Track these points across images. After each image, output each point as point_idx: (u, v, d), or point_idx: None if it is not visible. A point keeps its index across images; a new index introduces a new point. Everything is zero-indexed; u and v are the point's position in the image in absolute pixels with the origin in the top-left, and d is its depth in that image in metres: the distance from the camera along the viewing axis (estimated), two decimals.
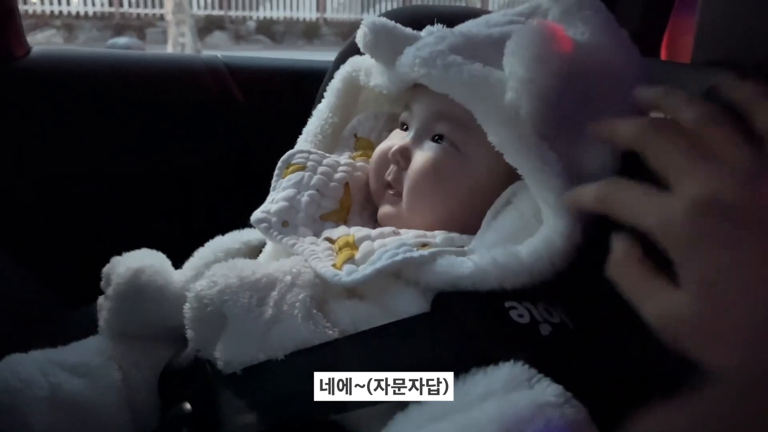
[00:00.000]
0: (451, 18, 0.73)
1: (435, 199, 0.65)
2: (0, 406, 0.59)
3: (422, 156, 0.65)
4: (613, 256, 0.43)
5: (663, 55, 1.06)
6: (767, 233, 0.37)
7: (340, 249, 0.61)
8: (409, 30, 0.68)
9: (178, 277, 0.71)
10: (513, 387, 0.49)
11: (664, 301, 0.39)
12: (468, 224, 0.63)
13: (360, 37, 0.68)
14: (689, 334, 0.38)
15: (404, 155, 0.66)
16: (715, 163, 0.40)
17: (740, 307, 0.37)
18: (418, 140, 0.67)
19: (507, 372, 0.50)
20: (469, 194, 0.64)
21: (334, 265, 0.59)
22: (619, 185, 0.44)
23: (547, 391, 0.48)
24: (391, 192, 0.68)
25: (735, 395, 0.37)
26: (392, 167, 0.68)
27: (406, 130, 0.70)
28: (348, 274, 0.58)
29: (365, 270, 0.57)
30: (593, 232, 0.60)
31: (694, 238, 0.38)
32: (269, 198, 0.69)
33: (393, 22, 0.68)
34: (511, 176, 0.62)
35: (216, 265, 0.60)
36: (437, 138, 0.66)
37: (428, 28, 0.68)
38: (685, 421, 0.38)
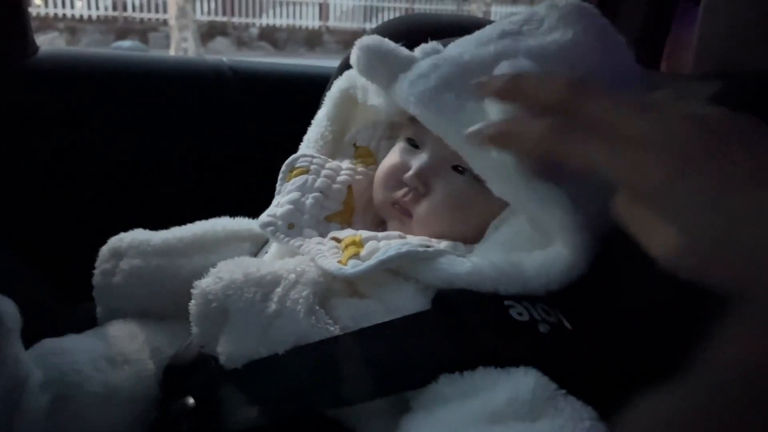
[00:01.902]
0: (449, 29, 0.73)
1: (452, 225, 0.65)
2: (56, 398, 0.60)
3: (445, 188, 0.65)
4: (618, 199, 0.43)
5: (663, 68, 1.07)
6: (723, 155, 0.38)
7: (346, 247, 0.62)
8: (403, 51, 0.65)
9: (160, 235, 0.75)
10: (543, 396, 0.49)
11: (665, 239, 0.40)
12: (471, 236, 0.64)
13: (354, 60, 0.67)
14: (697, 266, 0.39)
15: (423, 181, 0.65)
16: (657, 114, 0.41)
17: (725, 225, 0.37)
18: (436, 167, 0.65)
19: (533, 381, 0.50)
20: (484, 220, 0.65)
21: (339, 261, 0.60)
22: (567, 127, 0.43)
23: (584, 412, 0.48)
24: (398, 208, 0.67)
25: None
26: (407, 189, 0.67)
27: (414, 146, 0.68)
28: (353, 267, 0.59)
29: (370, 262, 0.58)
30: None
31: (666, 182, 0.39)
32: (274, 202, 0.69)
33: (387, 43, 0.65)
34: None
35: (221, 263, 0.61)
36: (459, 168, 0.65)
37: (422, 47, 0.67)
38: (680, 407, 0.40)
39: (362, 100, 0.73)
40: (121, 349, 0.67)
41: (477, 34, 0.68)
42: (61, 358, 0.63)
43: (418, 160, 0.66)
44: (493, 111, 0.55)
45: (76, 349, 0.65)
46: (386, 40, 0.67)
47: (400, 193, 0.67)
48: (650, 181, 0.39)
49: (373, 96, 0.70)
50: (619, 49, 0.67)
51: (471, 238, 0.64)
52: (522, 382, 0.50)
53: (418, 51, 0.67)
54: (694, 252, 0.39)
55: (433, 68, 0.62)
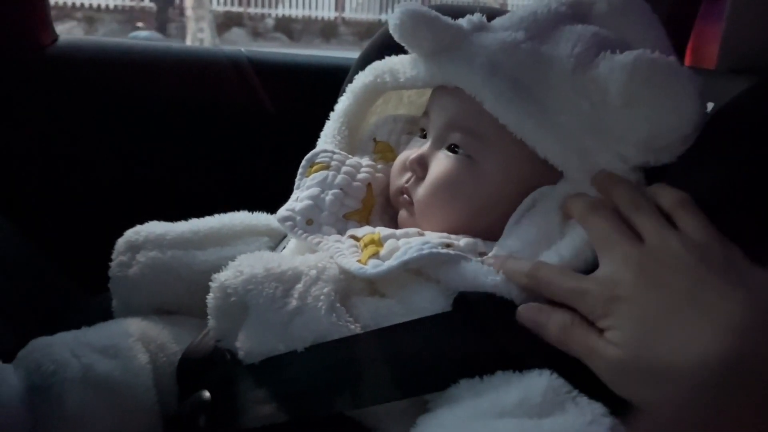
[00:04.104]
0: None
1: (447, 208, 0.65)
2: (34, 388, 0.60)
3: (438, 166, 0.65)
4: (554, 325, 0.52)
5: (687, 62, 1.05)
6: (662, 300, 0.47)
7: (366, 246, 0.61)
8: (450, 20, 0.64)
9: (176, 228, 0.75)
10: (553, 400, 0.49)
11: (606, 358, 0.48)
12: (490, 230, 0.63)
13: (396, 25, 0.64)
14: (627, 380, 0.47)
15: (421, 164, 0.66)
16: (631, 246, 0.51)
17: (656, 352, 0.46)
18: (434, 149, 0.67)
19: (546, 384, 0.49)
20: (483, 204, 0.64)
21: (359, 261, 0.59)
22: (546, 270, 0.55)
23: (590, 410, 0.48)
24: (405, 197, 0.68)
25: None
26: (409, 175, 0.68)
27: (425, 137, 0.69)
28: (374, 267, 0.58)
29: (391, 262, 0.57)
30: None
31: (605, 314, 0.49)
32: (293, 196, 0.69)
33: (433, 11, 0.64)
34: (528, 185, 0.63)
35: (242, 256, 0.60)
36: (453, 147, 0.65)
37: (469, 18, 0.66)
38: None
39: (392, 83, 0.71)
40: (115, 342, 0.66)
41: (527, 11, 0.67)
42: (40, 352, 0.62)
43: (422, 147, 0.67)
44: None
45: (58, 342, 0.64)
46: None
47: (404, 179, 0.68)
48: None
49: (408, 70, 0.68)
50: (663, 41, 0.66)
51: (488, 232, 0.63)
52: (534, 384, 0.50)
53: (464, 23, 0.66)
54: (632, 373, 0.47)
55: (504, 54, 0.61)
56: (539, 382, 0.50)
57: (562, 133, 0.60)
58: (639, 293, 0.48)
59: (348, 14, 11.51)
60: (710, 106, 0.67)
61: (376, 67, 0.73)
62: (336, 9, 11.44)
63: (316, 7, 11.33)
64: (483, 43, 0.63)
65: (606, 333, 0.49)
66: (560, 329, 0.51)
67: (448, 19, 0.64)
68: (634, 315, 0.48)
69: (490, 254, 0.60)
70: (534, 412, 0.48)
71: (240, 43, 9.81)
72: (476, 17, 0.66)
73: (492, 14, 0.72)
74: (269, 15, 11.02)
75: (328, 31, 11.18)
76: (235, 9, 10.78)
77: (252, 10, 10.92)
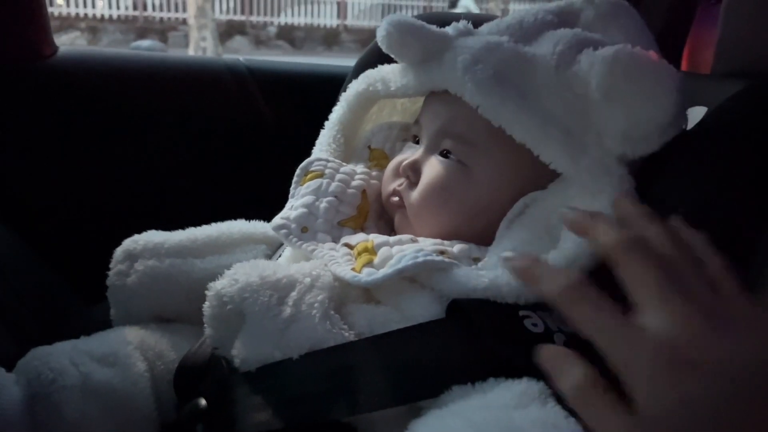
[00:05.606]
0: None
1: (440, 213, 0.65)
2: (33, 396, 0.61)
3: (430, 171, 0.66)
4: (569, 379, 0.42)
5: (683, 67, 1.06)
6: (720, 383, 0.38)
7: (359, 254, 0.62)
8: (435, 28, 0.65)
9: (174, 236, 0.76)
10: (532, 395, 0.49)
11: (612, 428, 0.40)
12: (482, 236, 0.64)
13: (383, 36, 0.65)
14: None
15: (414, 169, 0.67)
16: (685, 304, 0.40)
17: None
18: (427, 154, 0.67)
19: (534, 382, 0.50)
20: (476, 209, 0.65)
21: (353, 269, 0.60)
22: (587, 297, 0.42)
23: (556, 410, 0.48)
24: (396, 199, 0.69)
25: None
26: (402, 180, 0.68)
27: (418, 143, 0.70)
28: (368, 275, 0.58)
29: (386, 271, 0.58)
30: None
31: (654, 378, 0.39)
32: (288, 205, 0.69)
33: (417, 20, 0.65)
34: (518, 190, 0.63)
35: (237, 264, 0.60)
36: (445, 153, 0.66)
37: (454, 25, 0.67)
38: None
39: (384, 92, 0.72)
40: (113, 350, 0.67)
41: (513, 18, 0.68)
42: (39, 360, 0.63)
43: (415, 153, 0.68)
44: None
45: (58, 351, 0.65)
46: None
47: (396, 183, 0.69)
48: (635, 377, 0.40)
49: (398, 79, 0.69)
50: (651, 47, 0.66)
51: (480, 236, 0.64)
52: (519, 381, 0.51)
53: (450, 29, 0.66)
54: None
55: (487, 52, 0.62)
56: (526, 381, 0.50)
57: (543, 118, 0.60)
58: (687, 373, 0.39)
59: (350, 21, 11.55)
60: (704, 110, 0.67)
61: (369, 75, 0.74)
62: (338, 16, 11.48)
63: (318, 15, 11.37)
64: (466, 44, 0.64)
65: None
66: (573, 387, 0.42)
67: (434, 27, 0.65)
68: (669, 397, 0.39)
69: (485, 259, 0.60)
70: (511, 404, 0.49)
71: (242, 52, 9.85)
72: (462, 24, 0.67)
73: (480, 21, 0.73)
74: (271, 23, 11.06)
75: (330, 38, 11.22)
76: (238, 17, 10.82)
77: (254, 18, 10.96)
